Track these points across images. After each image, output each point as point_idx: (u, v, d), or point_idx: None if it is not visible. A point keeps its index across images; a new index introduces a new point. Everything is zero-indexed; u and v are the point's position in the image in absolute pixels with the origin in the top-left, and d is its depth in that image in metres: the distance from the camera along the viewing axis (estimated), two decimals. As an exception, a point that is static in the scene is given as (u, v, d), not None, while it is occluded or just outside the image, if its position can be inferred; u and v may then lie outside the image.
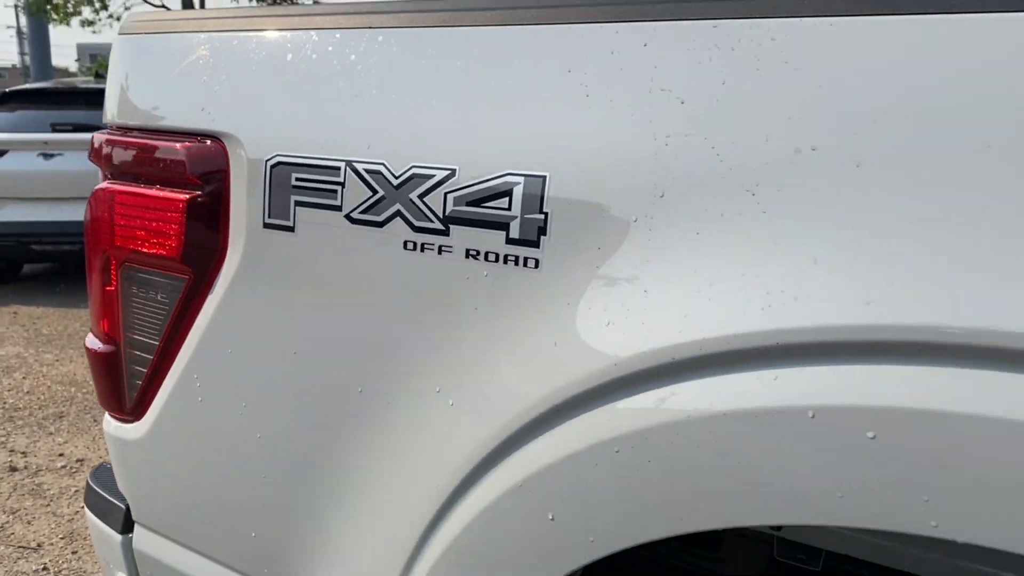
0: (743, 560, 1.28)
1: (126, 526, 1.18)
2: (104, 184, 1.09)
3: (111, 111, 1.12)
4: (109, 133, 1.11)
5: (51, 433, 3.69)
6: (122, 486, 1.18)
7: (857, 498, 0.60)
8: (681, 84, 0.70)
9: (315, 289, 0.91)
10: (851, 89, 0.63)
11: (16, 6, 21.09)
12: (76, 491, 3.12)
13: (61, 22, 13.42)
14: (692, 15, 0.70)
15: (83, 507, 2.93)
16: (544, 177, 0.75)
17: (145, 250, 1.04)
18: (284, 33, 0.94)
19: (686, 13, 0.71)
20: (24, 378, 4.45)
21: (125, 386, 1.12)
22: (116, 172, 1.08)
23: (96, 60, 53.53)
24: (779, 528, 1.06)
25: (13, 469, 3.32)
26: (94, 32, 14.33)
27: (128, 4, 14.02)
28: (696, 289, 0.67)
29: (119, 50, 1.14)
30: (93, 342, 1.15)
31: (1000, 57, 0.58)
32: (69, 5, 13.42)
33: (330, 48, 0.90)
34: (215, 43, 1.01)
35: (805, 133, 0.64)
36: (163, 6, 14.22)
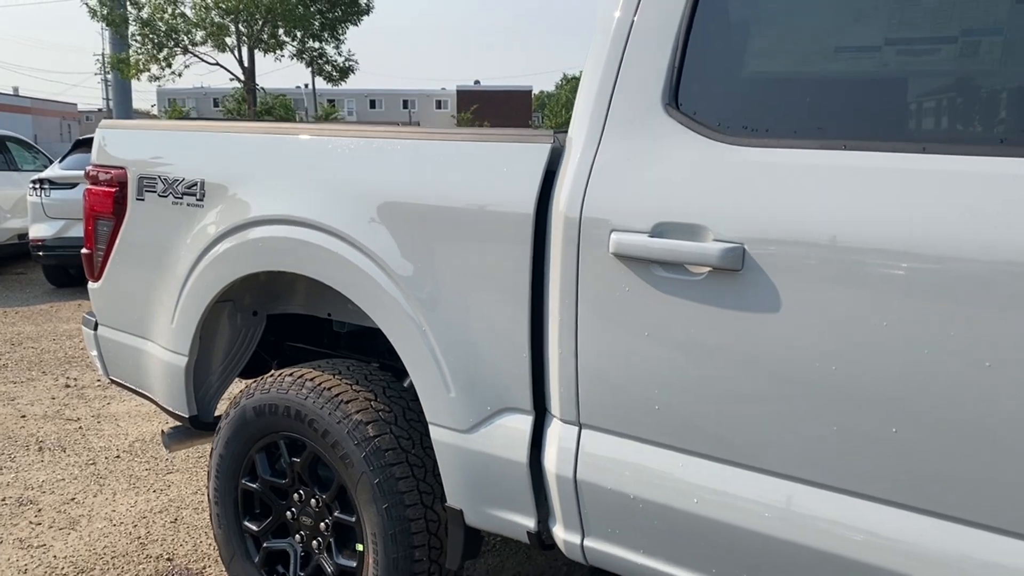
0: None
1: (96, 327, 2.87)
2: (88, 186, 2.80)
3: (93, 156, 2.83)
4: (91, 166, 2.82)
5: (95, 370, 5.46)
6: (93, 308, 2.87)
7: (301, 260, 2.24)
8: (241, 158, 2.37)
9: (147, 220, 2.59)
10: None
11: (103, 55, 23.02)
12: (106, 397, 4.85)
13: (132, 77, 15.86)
14: (251, 132, 2.38)
15: (107, 403, 4.65)
16: (204, 179, 2.41)
17: (100, 211, 2.73)
18: (143, 132, 2.64)
19: (254, 130, 2.38)
20: (80, 341, 6.27)
21: (94, 267, 2.81)
22: (92, 181, 2.78)
23: (172, 104, 57.14)
24: (329, 314, 2.65)
25: (67, 386, 5.09)
26: (159, 86, 16.74)
27: (188, 63, 16.53)
28: (246, 205, 2.32)
29: (99, 132, 2.85)
30: (84, 251, 2.85)
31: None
32: (140, 63, 15.87)
33: (156, 139, 2.60)
34: (127, 133, 2.72)
35: (264, 169, 2.30)
36: (217, 63, 16.70)
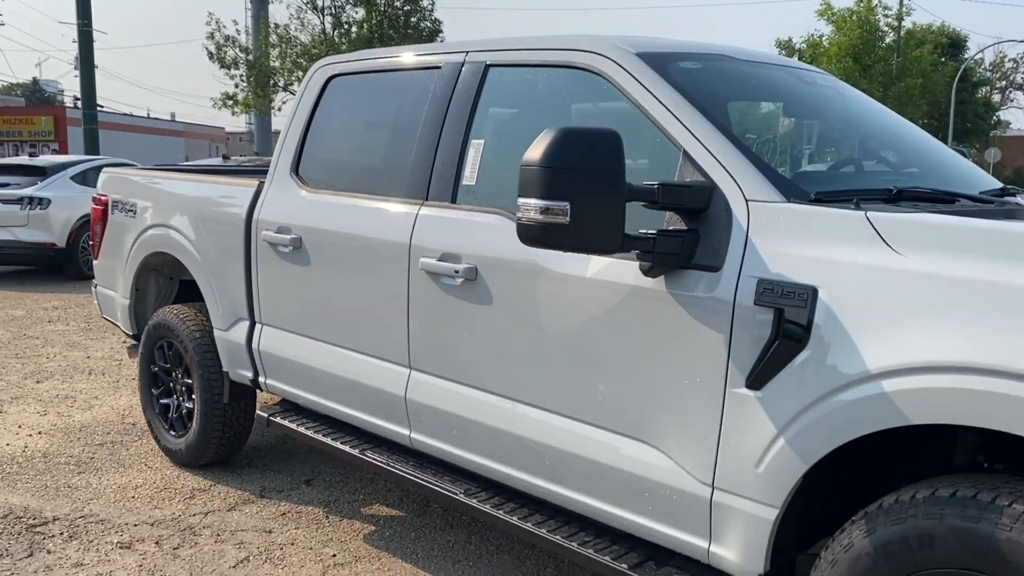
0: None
1: (96, 286, 5.00)
2: (93, 206, 4.93)
3: (98, 187, 4.96)
4: (96, 193, 4.94)
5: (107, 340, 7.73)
6: (95, 275, 5.00)
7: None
8: (150, 190, 4.43)
9: (115, 225, 4.67)
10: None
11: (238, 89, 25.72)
12: (116, 363, 7.06)
13: (241, 112, 18.80)
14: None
15: (119, 363, 6.87)
16: (136, 202, 4.47)
17: (97, 219, 4.86)
18: (119, 176, 4.75)
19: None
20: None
21: (96, 251, 4.94)
22: (95, 202, 4.91)
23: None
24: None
25: (124, 343, 7.36)
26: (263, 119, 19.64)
27: (285, 99, 19.41)
28: (151, 216, 4.38)
29: (101, 176, 4.98)
30: (91, 242, 4.98)
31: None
32: (246, 100, 18.83)
33: (123, 179, 4.71)
34: (113, 176, 4.85)
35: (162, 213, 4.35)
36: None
